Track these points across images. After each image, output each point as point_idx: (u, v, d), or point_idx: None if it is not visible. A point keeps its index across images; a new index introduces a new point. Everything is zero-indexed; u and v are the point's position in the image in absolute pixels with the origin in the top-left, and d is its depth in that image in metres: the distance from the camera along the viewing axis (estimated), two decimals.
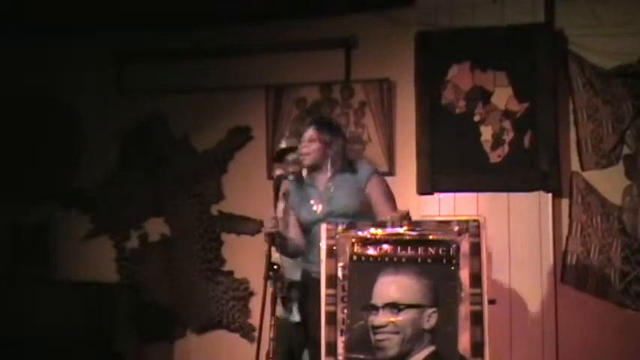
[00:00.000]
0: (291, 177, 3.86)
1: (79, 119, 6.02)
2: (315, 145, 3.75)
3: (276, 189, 3.78)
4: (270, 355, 3.51)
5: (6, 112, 6.07)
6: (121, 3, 5.32)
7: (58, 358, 5.17)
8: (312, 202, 3.75)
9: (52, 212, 5.95)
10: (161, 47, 5.78)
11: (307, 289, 3.73)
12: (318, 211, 3.70)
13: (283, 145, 4.33)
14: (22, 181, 6.01)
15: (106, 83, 5.94)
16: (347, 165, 3.78)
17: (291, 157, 4.12)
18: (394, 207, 3.67)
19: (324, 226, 3.44)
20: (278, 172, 3.90)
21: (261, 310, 3.60)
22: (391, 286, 3.27)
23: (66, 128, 6.03)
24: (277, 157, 4.35)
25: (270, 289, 3.62)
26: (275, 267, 3.62)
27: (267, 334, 3.56)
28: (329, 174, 3.76)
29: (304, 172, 3.86)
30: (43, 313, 5.31)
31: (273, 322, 3.54)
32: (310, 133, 3.78)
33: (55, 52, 5.97)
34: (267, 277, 3.60)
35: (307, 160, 3.78)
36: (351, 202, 3.66)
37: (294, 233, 3.81)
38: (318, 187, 3.78)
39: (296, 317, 3.86)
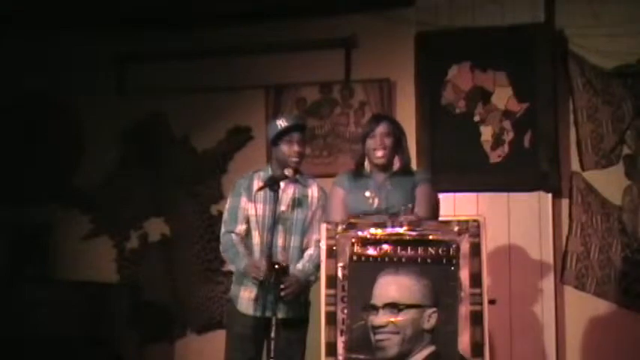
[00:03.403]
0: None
1: (79, 119, 6.02)
2: (390, 140, 3.70)
3: (275, 186, 3.78)
4: (271, 355, 3.51)
5: (6, 112, 6.07)
6: (121, 3, 5.32)
7: (58, 358, 5.17)
8: (367, 193, 3.67)
9: (52, 212, 5.94)
10: (161, 47, 5.77)
11: None
12: (374, 205, 3.64)
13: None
14: (22, 181, 6.01)
15: (106, 83, 5.94)
16: (409, 164, 3.78)
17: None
18: (433, 217, 3.66)
19: (324, 226, 3.44)
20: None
21: (262, 310, 3.60)
22: (391, 286, 3.27)
23: (66, 128, 6.03)
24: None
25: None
26: (276, 266, 3.62)
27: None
28: (390, 172, 3.74)
29: (366, 166, 3.80)
30: (43, 313, 5.30)
31: (274, 322, 3.54)
32: (384, 127, 3.71)
33: (55, 52, 5.96)
34: (268, 277, 3.60)
35: (383, 159, 3.70)
36: (406, 203, 3.61)
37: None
38: (376, 180, 3.72)
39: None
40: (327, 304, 3.34)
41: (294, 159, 3.87)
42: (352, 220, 3.50)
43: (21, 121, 6.07)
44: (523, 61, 4.97)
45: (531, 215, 4.90)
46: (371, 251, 3.36)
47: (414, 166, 5.05)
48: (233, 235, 3.92)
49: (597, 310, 4.85)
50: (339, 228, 3.41)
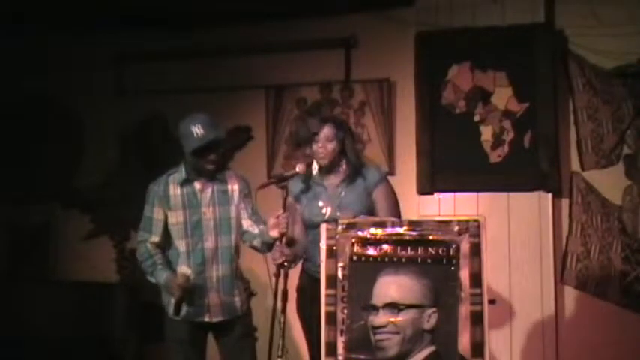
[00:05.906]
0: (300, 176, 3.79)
1: (79, 119, 6.02)
2: (333, 145, 3.72)
3: (287, 189, 3.73)
4: (279, 354, 3.50)
5: (7, 112, 6.07)
6: (121, 3, 5.31)
7: (58, 358, 5.17)
8: (320, 203, 3.75)
9: (52, 212, 5.95)
10: (161, 47, 5.77)
11: (308, 289, 3.73)
12: (327, 214, 3.70)
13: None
14: (22, 181, 6.01)
15: (106, 83, 5.94)
16: (360, 168, 3.77)
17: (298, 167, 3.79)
18: (396, 216, 3.70)
19: (324, 226, 3.44)
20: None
21: (272, 309, 3.59)
22: (391, 286, 3.27)
23: (66, 128, 6.03)
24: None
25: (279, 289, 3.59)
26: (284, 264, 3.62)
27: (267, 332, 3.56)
28: (342, 176, 3.76)
29: (314, 170, 3.81)
30: (43, 313, 5.30)
31: (282, 320, 3.53)
32: (327, 131, 3.71)
33: (55, 52, 5.97)
34: (277, 275, 3.59)
35: (325, 160, 3.73)
36: (359, 209, 3.68)
37: (298, 231, 3.80)
38: (328, 189, 3.77)
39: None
40: (327, 304, 3.34)
41: (210, 166, 3.82)
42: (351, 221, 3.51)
43: (21, 121, 6.07)
44: (523, 61, 4.97)
45: (531, 215, 4.90)
46: (371, 251, 3.35)
47: (412, 167, 5.12)
48: (148, 244, 3.89)
49: (597, 310, 4.84)
50: (339, 228, 3.41)
